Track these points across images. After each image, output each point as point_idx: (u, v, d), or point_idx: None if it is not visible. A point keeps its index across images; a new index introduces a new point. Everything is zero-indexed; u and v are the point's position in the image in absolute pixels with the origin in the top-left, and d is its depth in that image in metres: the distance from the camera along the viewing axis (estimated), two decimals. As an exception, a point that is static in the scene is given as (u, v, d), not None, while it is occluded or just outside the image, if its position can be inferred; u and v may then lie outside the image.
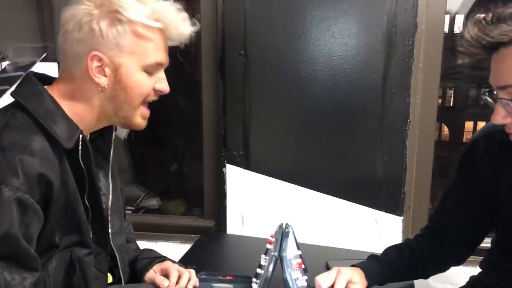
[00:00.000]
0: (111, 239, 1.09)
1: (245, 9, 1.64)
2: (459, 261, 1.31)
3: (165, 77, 1.02)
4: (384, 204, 1.70)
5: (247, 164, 1.77)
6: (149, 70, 0.98)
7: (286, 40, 1.64)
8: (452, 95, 3.12)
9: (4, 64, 2.00)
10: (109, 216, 1.09)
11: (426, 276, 1.32)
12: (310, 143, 1.72)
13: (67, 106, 0.96)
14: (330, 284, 1.12)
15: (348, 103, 1.65)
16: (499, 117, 0.96)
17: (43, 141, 0.90)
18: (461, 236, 1.22)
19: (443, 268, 1.32)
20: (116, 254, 1.11)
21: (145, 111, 1.02)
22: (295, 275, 1.11)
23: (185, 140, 2.34)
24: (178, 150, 2.40)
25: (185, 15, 0.99)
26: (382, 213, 1.69)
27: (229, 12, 1.67)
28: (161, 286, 1.14)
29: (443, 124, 3.13)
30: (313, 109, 1.69)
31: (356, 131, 1.67)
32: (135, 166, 2.54)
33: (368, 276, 1.20)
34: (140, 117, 1.01)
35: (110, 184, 1.10)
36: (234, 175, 1.79)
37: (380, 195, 1.70)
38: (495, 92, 0.97)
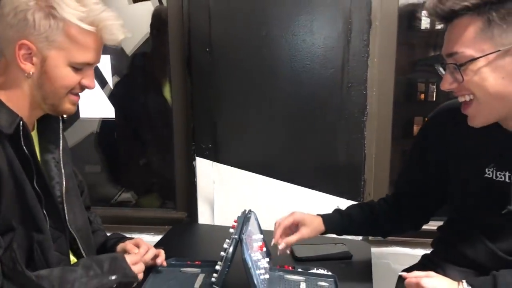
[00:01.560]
0: (68, 223, 1.15)
1: (209, 8, 1.71)
2: (414, 227, 1.42)
3: (93, 74, 1.08)
4: (345, 191, 1.79)
5: (215, 156, 1.84)
6: (77, 67, 1.03)
7: (249, 38, 1.72)
8: (435, 90, 3.20)
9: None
10: (64, 201, 1.15)
11: (383, 235, 1.45)
12: (275, 135, 1.80)
13: (4, 96, 1.02)
14: (283, 221, 1.32)
15: (309, 96, 1.74)
16: (447, 83, 1.04)
17: None
18: (416, 205, 1.34)
19: (398, 230, 1.46)
20: (76, 236, 1.17)
21: (74, 98, 1.07)
22: (255, 257, 1.19)
23: (155, 135, 2.39)
24: (148, 146, 2.45)
25: (121, 22, 1.05)
26: (344, 200, 1.78)
27: (195, 10, 1.74)
28: (131, 252, 1.22)
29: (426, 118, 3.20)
30: (277, 103, 1.77)
31: (317, 123, 1.76)
32: (107, 164, 2.58)
33: (326, 223, 1.35)
34: (69, 104, 1.07)
35: (63, 171, 1.16)
36: (204, 167, 1.86)
37: (342, 183, 1.79)
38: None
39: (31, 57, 1.00)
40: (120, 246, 1.29)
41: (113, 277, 1.06)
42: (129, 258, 1.12)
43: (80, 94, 1.09)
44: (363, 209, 1.39)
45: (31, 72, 1.00)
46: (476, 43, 0.97)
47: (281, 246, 1.29)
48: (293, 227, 1.35)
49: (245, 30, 1.72)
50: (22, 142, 1.00)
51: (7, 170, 0.97)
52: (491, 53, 0.97)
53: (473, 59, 0.98)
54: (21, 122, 0.99)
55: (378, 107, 1.76)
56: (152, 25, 2.23)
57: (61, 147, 1.17)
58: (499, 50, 0.96)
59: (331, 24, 1.67)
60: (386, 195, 1.45)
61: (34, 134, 1.13)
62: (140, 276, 1.14)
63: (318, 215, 1.38)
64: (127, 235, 1.40)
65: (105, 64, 2.62)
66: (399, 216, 1.37)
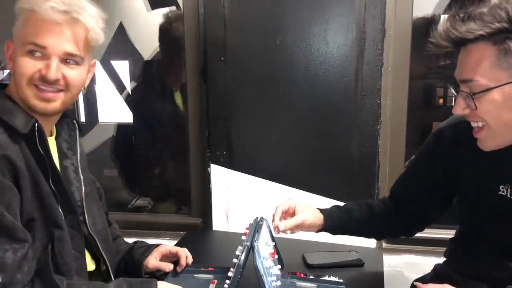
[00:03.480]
0: (88, 226, 1.18)
1: (224, 17, 1.74)
2: (408, 233, 1.41)
3: (53, 65, 1.03)
4: (359, 198, 1.79)
5: (230, 163, 1.87)
6: (31, 52, 1.03)
7: (264, 47, 1.75)
8: (454, 95, 3.15)
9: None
10: (84, 204, 1.19)
11: (377, 236, 1.46)
12: (289, 143, 1.82)
13: (18, 100, 1.06)
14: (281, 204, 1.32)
15: (323, 105, 1.75)
16: (459, 108, 1.04)
17: (1, 132, 1.00)
18: (414, 212, 1.32)
19: (393, 234, 1.45)
20: (96, 239, 1.20)
21: (38, 93, 1.05)
22: (267, 264, 1.20)
23: (171, 142, 2.43)
24: (164, 152, 2.48)
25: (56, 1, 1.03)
26: (358, 208, 1.79)
27: (210, 20, 1.77)
28: (167, 269, 1.30)
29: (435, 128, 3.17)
30: (291, 111, 1.78)
31: (331, 131, 1.77)
32: (125, 169, 2.62)
33: (325, 216, 1.34)
34: (35, 99, 1.05)
35: (81, 177, 1.20)
36: (219, 174, 1.89)
37: (356, 191, 1.79)
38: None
39: (12, 55, 1.06)
40: (151, 263, 1.32)
41: None
42: (161, 285, 1.13)
43: (47, 89, 1.05)
44: (361, 206, 1.38)
45: (11, 70, 1.06)
46: (492, 73, 0.97)
47: (281, 227, 1.26)
48: (293, 214, 1.34)
49: (259, 39, 1.74)
50: (37, 143, 1.03)
51: (24, 168, 1.01)
52: (506, 84, 0.96)
53: (488, 89, 0.98)
54: (36, 123, 1.03)
55: (392, 116, 1.77)
56: (164, 34, 2.26)
57: (78, 153, 1.21)
58: None
59: (345, 33, 1.68)
60: (383, 197, 1.43)
61: (52, 140, 1.17)
62: None
63: (317, 208, 1.37)
64: (143, 240, 1.44)
65: (123, 70, 2.68)
66: (394, 221, 1.35)
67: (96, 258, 1.23)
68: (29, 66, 1.03)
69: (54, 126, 1.18)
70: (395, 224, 1.36)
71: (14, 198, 0.98)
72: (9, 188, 0.97)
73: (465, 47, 1.01)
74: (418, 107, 2.01)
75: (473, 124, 1.06)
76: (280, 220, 1.30)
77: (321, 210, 1.36)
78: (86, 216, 1.19)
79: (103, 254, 1.22)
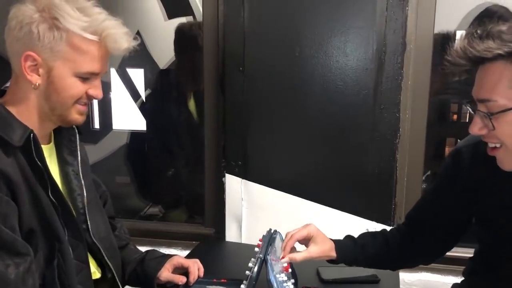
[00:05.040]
0: (91, 233, 1.17)
1: (244, 28, 1.74)
2: (427, 261, 1.38)
3: (100, 85, 1.08)
4: (375, 214, 1.76)
5: (245, 174, 1.85)
6: (82, 76, 1.04)
7: (282, 58, 1.74)
8: (468, 111, 3.11)
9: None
10: (86, 212, 1.17)
11: (393, 268, 1.38)
12: (305, 155, 1.80)
13: (15, 110, 1.05)
14: (296, 233, 1.26)
15: (341, 117, 1.73)
16: (476, 128, 1.02)
17: None
18: (434, 237, 1.27)
19: (410, 264, 1.39)
20: (100, 246, 1.19)
21: (81, 108, 1.08)
22: (281, 278, 1.18)
23: (185, 150, 2.43)
24: (177, 160, 2.48)
25: (125, 30, 1.06)
26: (374, 223, 1.76)
27: (229, 31, 1.77)
28: (180, 283, 1.29)
29: (458, 140, 3.15)
30: (308, 123, 1.77)
31: (348, 144, 1.75)
32: (137, 176, 2.63)
33: (338, 250, 1.28)
34: (76, 114, 1.08)
35: (83, 183, 1.18)
36: (233, 184, 1.87)
37: (372, 205, 1.77)
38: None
39: (37, 69, 1.02)
40: (164, 275, 1.31)
41: None
42: None
43: (87, 103, 1.10)
44: (376, 239, 1.32)
45: (37, 83, 1.02)
46: (510, 92, 0.95)
47: (284, 260, 1.22)
48: (305, 241, 1.29)
49: (278, 50, 1.74)
50: (34, 154, 1.01)
51: (21, 180, 0.99)
52: None
53: (506, 110, 0.96)
54: (31, 134, 1.01)
55: (410, 130, 1.74)
56: (181, 42, 2.27)
57: (79, 158, 1.19)
58: None
59: (365, 45, 1.67)
60: (398, 225, 1.38)
61: (51, 147, 1.16)
62: None
63: (331, 239, 1.31)
64: (155, 249, 1.43)
65: (138, 78, 2.70)
66: (412, 250, 1.30)
67: (102, 265, 1.22)
68: (80, 89, 1.05)
69: (52, 132, 1.16)
70: (414, 252, 1.31)
71: (11, 212, 0.96)
72: (6, 202, 0.95)
73: (483, 65, 0.99)
74: (432, 122, 1.98)
75: (490, 145, 1.03)
76: (291, 248, 1.25)
77: (335, 244, 1.30)
78: (89, 224, 1.18)
79: (108, 261, 1.21)
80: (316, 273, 1.50)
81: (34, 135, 1.02)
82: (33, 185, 1.01)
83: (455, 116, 2.21)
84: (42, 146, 1.06)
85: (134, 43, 1.07)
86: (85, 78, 1.05)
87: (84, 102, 1.08)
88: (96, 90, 1.08)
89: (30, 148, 1.01)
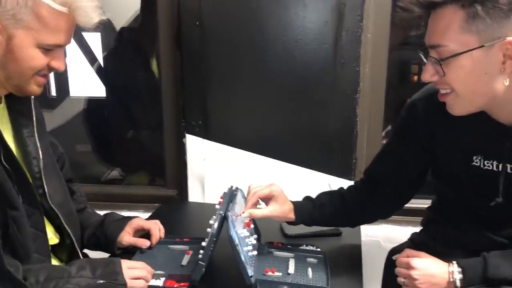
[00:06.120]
0: (49, 199, 1.12)
1: (199, -20, 1.66)
2: (386, 215, 1.40)
3: (63, 56, 1.02)
4: (337, 169, 1.77)
5: (206, 134, 1.82)
6: (46, 48, 0.98)
7: (240, 11, 1.67)
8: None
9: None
10: (43, 176, 1.12)
11: (352, 225, 1.40)
12: (266, 112, 1.77)
13: None
14: (259, 190, 1.25)
15: (302, 72, 1.70)
16: (428, 75, 1.02)
17: None
18: (391, 191, 1.29)
19: (369, 219, 1.41)
20: (58, 212, 1.14)
21: (41, 80, 1.02)
22: (243, 234, 1.18)
23: (144, 112, 2.36)
24: (137, 123, 2.42)
25: (96, 3, 0.99)
26: (335, 178, 1.77)
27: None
28: (144, 247, 1.27)
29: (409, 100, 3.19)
30: (269, 79, 1.73)
31: (309, 100, 1.73)
32: (97, 142, 2.55)
33: (297, 212, 1.29)
34: (35, 85, 1.02)
35: (39, 146, 1.12)
36: (194, 145, 1.84)
37: (333, 161, 1.77)
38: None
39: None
40: (126, 239, 1.28)
41: (101, 281, 1.02)
42: (125, 264, 1.07)
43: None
44: (334, 197, 1.33)
45: None
46: (460, 37, 0.94)
47: (244, 215, 1.20)
48: (266, 200, 1.28)
49: (235, 3, 1.67)
50: None
51: None
52: (474, 49, 0.94)
53: (456, 54, 0.95)
54: None
55: (371, 85, 1.74)
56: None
57: (34, 119, 1.12)
58: (483, 46, 0.93)
59: (324, -2, 1.63)
60: (355, 182, 1.39)
61: (2, 108, 1.08)
62: (136, 283, 1.07)
63: (291, 201, 1.31)
64: (114, 212, 1.39)
65: (95, 42, 2.58)
66: (371, 205, 1.31)
67: (60, 231, 1.18)
68: (42, 61, 0.98)
69: (3, 96, 1.08)
70: (372, 208, 1.32)
71: None
72: None
73: (434, 11, 0.98)
74: (394, 84, 1.98)
75: (442, 91, 1.04)
76: (253, 204, 1.24)
77: (294, 206, 1.30)
78: (46, 189, 1.12)
79: (67, 228, 1.17)
80: (280, 229, 1.50)
81: None
82: None
83: (415, 77, 2.22)
84: None
85: (104, 17, 1.01)
86: (48, 49, 0.98)
87: (44, 73, 1.02)
88: (58, 62, 1.01)
89: None
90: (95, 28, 1.01)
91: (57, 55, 1.00)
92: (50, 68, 1.01)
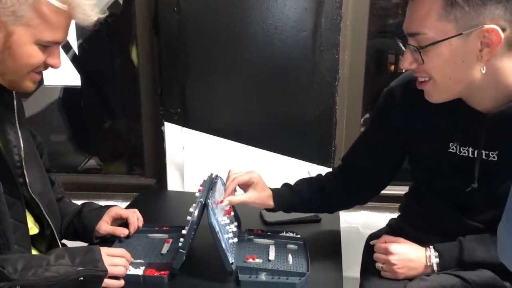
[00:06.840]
0: (29, 188, 1.10)
1: (177, -35, 1.63)
2: (363, 201, 1.41)
3: (59, 53, 1.03)
4: (316, 157, 1.78)
5: (185, 122, 1.80)
6: (44, 44, 0.98)
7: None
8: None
9: None
10: (23, 165, 1.10)
11: (330, 211, 1.41)
12: (245, 100, 1.76)
13: None
14: (238, 176, 1.25)
15: (281, 59, 1.69)
16: (407, 63, 1.02)
17: None
18: (368, 178, 1.30)
19: (347, 205, 1.43)
20: (38, 201, 1.12)
21: (36, 76, 1.03)
22: (223, 221, 1.18)
23: (122, 100, 2.32)
24: (115, 111, 2.38)
25: (93, 2, 1.00)
26: (314, 165, 1.78)
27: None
28: (122, 235, 1.27)
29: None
30: (248, 66, 1.72)
31: (289, 87, 1.73)
32: (73, 131, 2.50)
33: (276, 199, 1.29)
34: (29, 82, 1.03)
35: (20, 134, 1.11)
36: (173, 133, 1.82)
37: (312, 148, 1.78)
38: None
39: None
40: (104, 228, 1.27)
41: (80, 268, 1.00)
42: (104, 251, 1.06)
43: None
44: (312, 184, 1.34)
45: None
46: (439, 25, 0.95)
47: (224, 203, 1.20)
48: (245, 187, 1.29)
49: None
50: None
51: None
52: (453, 37, 0.94)
53: (435, 42, 0.96)
54: None
55: (350, 72, 1.74)
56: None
57: (15, 108, 1.11)
58: (461, 34, 0.94)
59: (303, -17, 1.62)
60: (333, 168, 1.40)
61: None
62: (116, 269, 1.06)
63: (270, 188, 1.31)
64: (92, 201, 1.37)
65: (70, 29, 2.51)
66: (348, 191, 1.32)
67: (40, 220, 1.16)
68: (39, 58, 0.99)
69: None
70: (350, 194, 1.33)
71: None
72: None
73: None
74: (371, 73, 1.99)
75: (420, 79, 1.04)
76: (232, 191, 1.24)
77: (273, 193, 1.30)
78: (27, 178, 1.10)
79: (48, 218, 1.15)
80: (260, 216, 1.51)
81: None
82: None
83: (392, 67, 2.24)
84: None
85: (102, 17, 1.02)
86: (45, 46, 0.98)
87: (39, 70, 1.02)
88: (55, 59, 1.03)
89: None
90: (93, 26, 1.02)
91: (54, 52, 1.02)
92: (46, 65, 1.02)
